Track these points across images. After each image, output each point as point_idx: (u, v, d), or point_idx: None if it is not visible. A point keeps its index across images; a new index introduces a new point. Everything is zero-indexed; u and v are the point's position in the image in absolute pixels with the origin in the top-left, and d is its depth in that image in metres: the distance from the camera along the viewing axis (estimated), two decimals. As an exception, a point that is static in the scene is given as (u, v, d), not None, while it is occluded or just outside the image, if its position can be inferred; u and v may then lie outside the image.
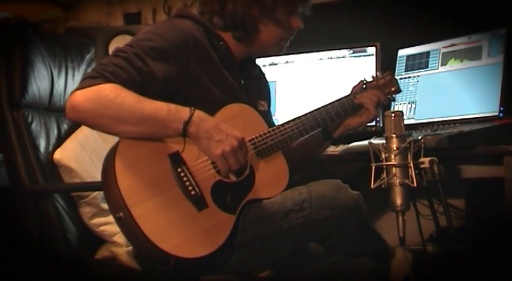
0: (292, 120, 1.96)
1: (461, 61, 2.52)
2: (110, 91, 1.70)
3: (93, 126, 1.76)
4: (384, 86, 2.07)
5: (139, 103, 1.71)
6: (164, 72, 1.79)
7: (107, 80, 1.71)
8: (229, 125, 1.81)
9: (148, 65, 1.77)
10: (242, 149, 1.80)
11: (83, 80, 1.74)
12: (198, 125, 1.75)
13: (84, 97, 1.70)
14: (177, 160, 1.77)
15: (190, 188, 1.76)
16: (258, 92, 2.12)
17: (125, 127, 1.72)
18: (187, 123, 1.74)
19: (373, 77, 2.10)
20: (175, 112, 1.74)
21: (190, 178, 1.77)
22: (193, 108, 1.76)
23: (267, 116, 2.10)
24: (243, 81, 2.03)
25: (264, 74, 2.21)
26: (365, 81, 2.08)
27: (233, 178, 1.83)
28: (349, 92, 2.08)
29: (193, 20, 1.93)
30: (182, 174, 1.76)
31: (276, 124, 2.02)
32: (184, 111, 1.75)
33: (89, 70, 2.45)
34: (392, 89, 2.09)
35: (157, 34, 1.83)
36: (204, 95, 1.87)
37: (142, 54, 1.77)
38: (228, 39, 1.97)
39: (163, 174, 1.75)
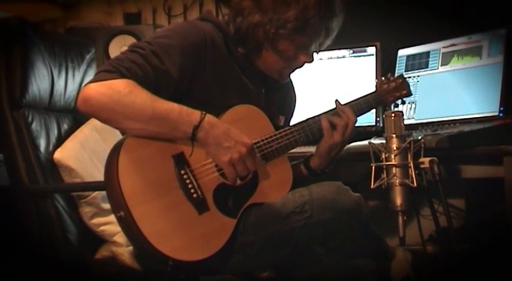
0: (298, 123, 1.96)
1: (461, 61, 2.52)
2: (123, 87, 1.70)
3: (103, 120, 1.76)
4: (394, 90, 2.09)
5: (152, 102, 1.71)
6: (180, 71, 1.79)
7: (122, 76, 1.71)
8: (235, 126, 1.80)
9: (164, 64, 1.77)
10: (251, 156, 1.80)
11: (97, 72, 1.75)
12: (208, 130, 1.75)
13: (98, 91, 1.70)
14: (180, 161, 1.77)
15: (192, 190, 1.75)
16: (280, 106, 2.09)
17: (135, 124, 1.72)
18: (196, 127, 1.74)
19: (383, 80, 2.10)
20: (186, 115, 1.74)
21: (193, 181, 1.76)
22: (204, 112, 1.75)
23: None
24: (263, 90, 2.00)
25: (293, 89, 2.17)
26: (376, 84, 2.09)
27: (237, 182, 1.82)
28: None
29: (215, 25, 1.92)
30: (185, 176, 1.76)
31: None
32: (195, 115, 1.75)
33: (91, 70, 2.48)
34: (403, 92, 2.11)
35: (177, 32, 1.84)
36: (217, 99, 1.86)
37: (160, 52, 1.77)
38: None
39: (166, 175, 1.75)
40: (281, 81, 2.06)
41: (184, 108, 1.75)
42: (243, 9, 1.90)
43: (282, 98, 2.11)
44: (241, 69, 1.93)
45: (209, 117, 1.76)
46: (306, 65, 1.99)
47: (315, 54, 1.98)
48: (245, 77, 1.94)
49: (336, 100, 2.00)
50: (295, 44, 1.91)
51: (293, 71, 2.01)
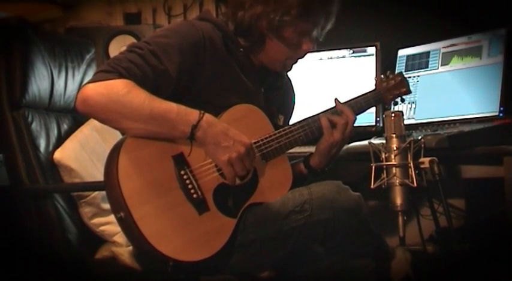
0: (298, 122, 1.96)
1: (462, 61, 2.52)
2: (122, 87, 1.70)
3: (101, 120, 1.76)
4: (394, 87, 2.09)
5: (150, 101, 1.71)
6: (178, 70, 1.79)
7: (120, 76, 1.71)
8: (235, 126, 1.80)
9: (163, 64, 1.77)
10: (249, 156, 1.80)
11: (96, 73, 1.75)
12: (206, 130, 1.75)
13: (96, 91, 1.70)
14: (180, 161, 1.77)
15: (192, 191, 1.75)
16: (280, 105, 2.09)
17: (133, 124, 1.72)
18: (195, 127, 1.74)
19: (382, 78, 2.10)
20: (184, 114, 1.74)
21: (193, 181, 1.76)
22: (202, 112, 1.75)
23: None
24: (263, 90, 2.00)
25: (292, 89, 2.17)
26: (376, 82, 2.09)
27: (236, 181, 1.82)
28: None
29: (214, 24, 1.92)
30: (185, 176, 1.76)
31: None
32: (193, 115, 1.75)
33: (91, 70, 2.48)
34: (403, 90, 2.10)
35: (175, 32, 1.84)
36: (216, 98, 1.86)
37: (158, 51, 1.77)
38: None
39: (166, 175, 1.75)
40: (283, 73, 2.06)
41: (183, 107, 1.75)
42: (243, 3, 1.90)
43: (281, 98, 2.11)
44: (240, 69, 1.93)
45: (207, 117, 1.76)
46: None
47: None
48: (244, 76, 1.94)
49: (336, 99, 2.00)
50: (298, 31, 1.91)
51: (296, 62, 2.01)
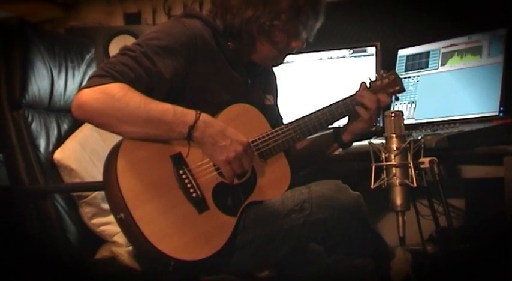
0: (295, 121, 1.96)
1: (461, 61, 2.52)
2: (117, 91, 1.69)
3: (98, 125, 1.76)
4: (388, 86, 2.08)
5: (146, 104, 1.71)
6: (172, 71, 1.79)
7: (115, 80, 1.71)
8: (232, 125, 1.80)
9: (156, 65, 1.77)
10: (247, 154, 1.80)
11: (90, 78, 1.75)
12: (203, 130, 1.75)
13: (91, 96, 1.70)
14: (179, 161, 1.77)
15: (191, 190, 1.76)
16: (265, 87, 2.12)
17: (130, 128, 1.72)
18: (192, 127, 1.74)
19: (376, 77, 2.10)
20: (181, 115, 1.74)
21: (192, 180, 1.77)
22: (199, 112, 1.76)
23: (274, 110, 2.10)
24: (249, 81, 2.02)
25: (271, 70, 2.19)
26: (370, 81, 2.08)
27: (235, 180, 1.83)
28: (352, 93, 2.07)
29: (202, 21, 1.93)
30: (184, 176, 1.76)
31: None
32: (190, 115, 1.75)
33: (91, 70, 2.48)
34: (397, 88, 2.09)
35: (166, 32, 1.84)
36: (210, 96, 1.87)
37: (151, 53, 1.77)
38: None
39: (165, 175, 1.75)
40: (275, 65, 2.09)
41: (179, 108, 1.75)
42: (231, 6, 1.91)
43: (264, 79, 2.12)
44: (230, 63, 1.94)
45: (204, 117, 1.76)
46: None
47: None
48: (234, 71, 1.95)
49: (363, 82, 2.04)
50: (288, 33, 1.93)
51: (286, 55, 2.03)
